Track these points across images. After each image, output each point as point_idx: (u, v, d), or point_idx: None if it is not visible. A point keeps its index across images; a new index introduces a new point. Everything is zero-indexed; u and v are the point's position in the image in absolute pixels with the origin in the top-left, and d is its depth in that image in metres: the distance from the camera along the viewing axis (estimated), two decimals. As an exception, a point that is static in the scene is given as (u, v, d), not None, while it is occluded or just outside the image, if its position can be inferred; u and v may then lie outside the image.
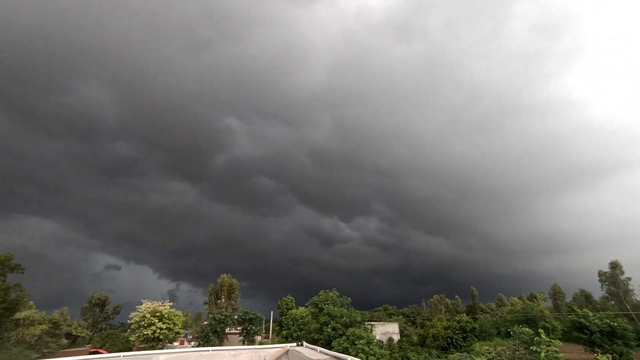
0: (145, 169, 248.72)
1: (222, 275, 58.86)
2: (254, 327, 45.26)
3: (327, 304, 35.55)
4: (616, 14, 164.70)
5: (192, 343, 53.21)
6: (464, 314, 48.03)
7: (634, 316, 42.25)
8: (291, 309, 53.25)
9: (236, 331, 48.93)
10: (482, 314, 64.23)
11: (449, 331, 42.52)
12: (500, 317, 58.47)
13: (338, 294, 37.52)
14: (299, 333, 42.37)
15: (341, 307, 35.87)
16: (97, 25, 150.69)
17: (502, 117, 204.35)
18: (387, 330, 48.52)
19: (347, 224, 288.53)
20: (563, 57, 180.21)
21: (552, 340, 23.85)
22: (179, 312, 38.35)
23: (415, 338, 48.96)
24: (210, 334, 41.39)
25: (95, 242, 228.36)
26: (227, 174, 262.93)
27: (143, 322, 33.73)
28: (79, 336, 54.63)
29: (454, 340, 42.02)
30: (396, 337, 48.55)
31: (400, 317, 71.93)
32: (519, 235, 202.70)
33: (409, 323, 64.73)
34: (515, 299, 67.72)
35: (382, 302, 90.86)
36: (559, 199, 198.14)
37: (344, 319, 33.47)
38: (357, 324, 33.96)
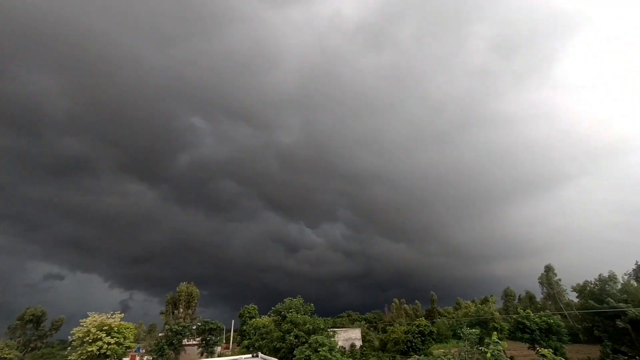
0: (99, 169, 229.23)
1: (181, 284, 55.97)
2: (214, 338, 43.44)
3: (291, 311, 35.18)
4: (564, 39, 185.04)
5: (145, 358, 49.63)
6: (423, 318, 50.02)
7: (566, 314, 46.88)
8: (253, 318, 51.89)
9: (195, 342, 46.61)
10: (439, 318, 67.33)
11: (409, 335, 44.02)
12: (456, 320, 61.74)
13: (302, 301, 37.30)
14: (260, 342, 41.36)
15: (304, 314, 35.69)
16: (48, 4, 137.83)
17: (462, 130, 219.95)
18: (349, 336, 49.13)
19: (313, 230, 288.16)
20: (515, 76, 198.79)
21: (499, 341, 25.72)
22: (131, 324, 35.58)
23: (376, 343, 50.05)
24: (166, 347, 39.01)
25: (34, 248, 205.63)
26: (190, 176, 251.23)
27: (87, 338, 30.43)
28: (6, 358, 47.81)
29: (413, 344, 43.57)
30: (358, 343, 49.30)
31: (363, 322, 73.16)
32: (476, 241, 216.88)
33: (372, 328, 66.05)
34: (469, 302, 71.93)
35: (346, 308, 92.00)
36: (511, 207, 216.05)
37: (307, 326, 33.33)
38: (320, 331, 33.99)
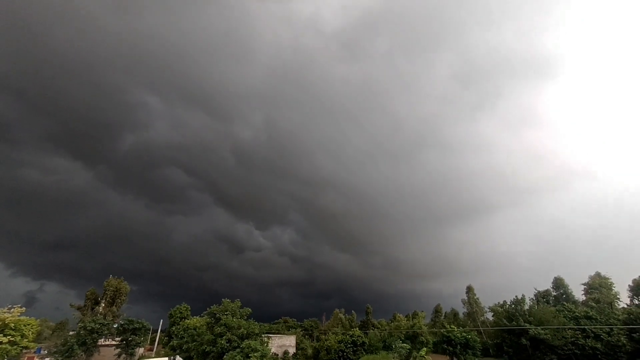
0: (19, 136, 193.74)
1: (110, 277, 50.67)
2: (136, 338, 39.94)
3: (227, 314, 33.90)
4: (511, 78, 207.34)
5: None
6: (357, 329, 51.54)
7: (481, 330, 52.11)
8: (185, 318, 48.80)
9: (114, 342, 42.33)
10: (373, 329, 69.96)
11: (341, 345, 44.97)
12: (388, 332, 64.67)
13: (240, 304, 36.18)
14: (190, 345, 39.02)
15: (241, 318, 34.65)
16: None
17: (417, 151, 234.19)
18: (283, 343, 48.68)
19: (261, 232, 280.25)
20: (470, 107, 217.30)
21: (424, 355, 27.78)
22: (33, 320, 31.14)
23: (310, 351, 50.23)
24: (76, 347, 34.81)
25: None
26: (134, 159, 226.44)
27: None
28: None
29: (345, 353, 44.60)
30: (292, 350, 49.05)
31: (299, 330, 73.04)
32: (416, 258, 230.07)
33: (307, 336, 66.20)
34: (401, 315, 76.05)
35: (285, 314, 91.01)
36: (448, 229, 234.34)
37: (242, 330, 32.40)
38: (255, 336, 33.26)
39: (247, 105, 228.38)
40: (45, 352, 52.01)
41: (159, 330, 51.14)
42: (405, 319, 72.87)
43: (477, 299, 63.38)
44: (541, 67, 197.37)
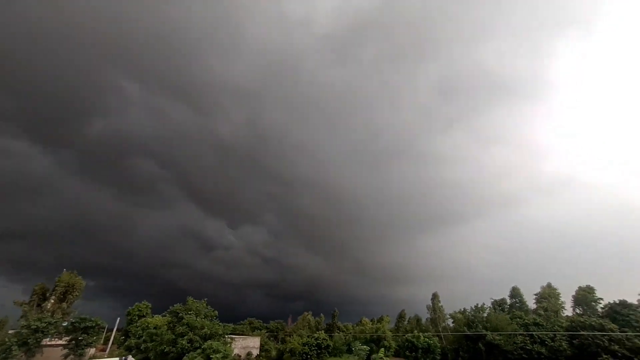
0: None
1: (64, 272, 46.85)
2: (88, 337, 37.29)
3: (190, 313, 32.78)
4: (489, 95, 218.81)
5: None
6: (323, 332, 51.81)
7: (442, 336, 54.44)
8: (145, 317, 46.36)
9: (62, 342, 39.22)
10: (338, 332, 70.52)
11: (306, 347, 44.99)
12: (352, 335, 65.54)
13: (205, 303, 35.14)
14: (148, 344, 37.17)
15: (205, 318, 33.66)
16: None
17: (395, 159, 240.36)
18: (247, 345, 47.79)
19: (233, 231, 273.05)
20: (449, 120, 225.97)
21: (382, 357, 28.56)
22: None
23: (274, 353, 49.69)
24: (15, 348, 31.87)
25: None
26: (103, 146, 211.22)
27: None
28: None
29: (309, 356, 44.65)
30: (256, 352, 48.26)
31: (265, 331, 72.00)
32: (386, 264, 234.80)
33: (272, 338, 65.42)
34: (367, 319, 77.41)
35: (251, 315, 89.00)
36: (418, 237, 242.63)
37: (205, 330, 31.52)
38: (218, 337, 32.46)
39: (230, 101, 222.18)
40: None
41: (115, 329, 48.15)
42: (371, 322, 74.21)
43: (442, 306, 66.08)
44: (515, 87, 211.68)
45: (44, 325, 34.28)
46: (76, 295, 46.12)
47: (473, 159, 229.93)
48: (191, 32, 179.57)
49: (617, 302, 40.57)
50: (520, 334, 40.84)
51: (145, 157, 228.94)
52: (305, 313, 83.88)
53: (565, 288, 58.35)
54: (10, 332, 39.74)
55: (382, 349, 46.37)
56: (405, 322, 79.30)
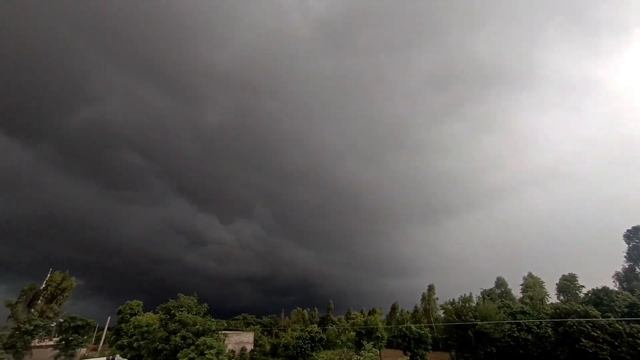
0: None
1: (55, 272, 45.93)
2: (79, 337, 36.83)
3: (182, 310, 32.65)
4: (484, 85, 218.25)
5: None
6: (316, 325, 52.36)
7: (433, 326, 55.75)
8: (136, 315, 46.00)
9: (51, 343, 38.67)
10: (332, 326, 71.39)
11: (299, 341, 45.41)
12: (345, 328, 66.43)
13: (196, 300, 35.00)
14: (140, 343, 36.98)
15: (197, 314, 33.57)
16: None
17: (388, 150, 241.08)
18: (241, 340, 47.99)
19: (225, 226, 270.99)
20: (443, 109, 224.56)
21: (372, 349, 29.28)
22: None
23: (267, 347, 50.04)
24: (2, 351, 31.32)
25: None
26: (85, 138, 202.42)
27: None
28: None
29: (303, 349, 45.11)
30: (250, 347, 48.52)
31: (258, 326, 72.37)
32: (378, 256, 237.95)
33: (265, 333, 65.80)
34: (357, 313, 78.56)
35: (244, 310, 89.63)
36: (410, 229, 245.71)
37: (197, 327, 31.45)
38: (211, 333, 32.45)
39: (218, 89, 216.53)
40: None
41: (106, 328, 47.67)
42: (361, 315, 75.32)
43: (437, 298, 67.52)
44: (506, 77, 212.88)
45: (32, 328, 33.67)
46: (67, 295, 45.43)
47: (465, 150, 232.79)
48: (177, 18, 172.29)
49: (600, 288, 42.08)
50: (507, 322, 42.10)
51: (130, 150, 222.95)
52: (298, 308, 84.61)
53: (549, 277, 60.41)
54: (-2, 334, 38.93)
55: (369, 342, 46.95)
56: (398, 314, 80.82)
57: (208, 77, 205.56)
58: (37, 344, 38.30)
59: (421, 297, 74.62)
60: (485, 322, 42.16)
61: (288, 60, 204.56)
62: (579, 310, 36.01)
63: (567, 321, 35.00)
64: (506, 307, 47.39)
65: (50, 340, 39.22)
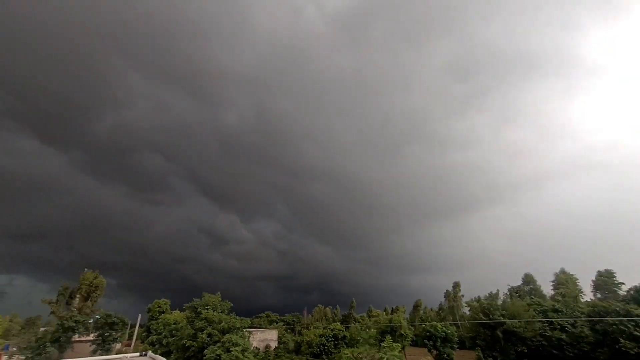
0: None
1: (86, 271, 48.84)
2: (114, 334, 38.94)
3: (207, 308, 33.65)
4: (505, 73, 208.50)
5: (16, 357, 41.47)
6: (338, 323, 52.39)
7: (459, 324, 54.29)
8: (164, 313, 48.00)
9: (89, 338, 41.05)
10: (354, 324, 71.20)
11: (322, 339, 45.62)
12: (367, 327, 66.09)
13: (220, 298, 35.97)
14: (169, 339, 38.54)
15: (222, 312, 34.49)
16: None
17: (407, 144, 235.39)
18: (265, 337, 48.82)
19: (245, 225, 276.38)
20: (462, 100, 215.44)
21: (393, 344, 28.88)
22: None
23: (291, 345, 50.62)
24: (49, 345, 33.55)
25: None
26: (112, 143, 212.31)
27: None
28: None
29: (326, 347, 45.30)
30: (274, 344, 49.26)
31: (281, 324, 73.43)
32: (400, 253, 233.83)
33: (289, 330, 66.64)
34: (379, 310, 77.86)
35: (267, 308, 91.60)
36: (431, 224, 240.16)
37: (223, 324, 32.29)
38: (236, 331, 33.23)
39: (235, 89, 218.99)
40: (15, 349, 49.84)
41: (137, 325, 50.04)
42: (384, 313, 74.63)
43: (462, 295, 65.91)
44: (530, 64, 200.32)
45: (73, 324, 35.89)
46: (99, 293, 48.07)
47: (487, 142, 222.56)
48: (194, 20, 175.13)
49: (642, 285, 39.31)
50: (539, 321, 40.27)
51: (153, 152, 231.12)
52: (320, 306, 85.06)
53: (582, 273, 56.97)
54: (41, 329, 41.83)
55: (388, 336, 46.25)
56: (421, 312, 79.47)
57: (225, 79, 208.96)
58: (77, 339, 40.70)
59: (444, 294, 73.03)
60: (514, 319, 40.56)
61: (304, 57, 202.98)
62: (618, 309, 33.82)
63: (605, 320, 32.98)
64: (536, 304, 45.35)
65: (88, 335, 41.58)
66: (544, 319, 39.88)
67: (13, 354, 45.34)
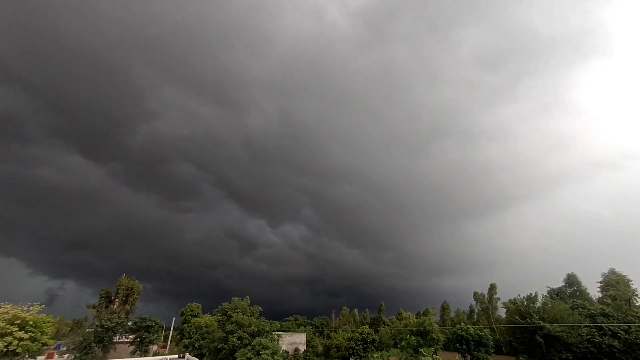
0: (31, 132, 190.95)
1: (122, 277, 51.97)
2: (150, 336, 40.79)
3: (237, 312, 34.33)
4: (544, 57, 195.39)
5: (66, 356, 44.77)
6: (367, 326, 51.50)
7: (495, 328, 51.47)
8: (196, 317, 49.71)
9: (128, 340, 43.34)
10: (383, 327, 69.84)
11: (351, 342, 44.99)
12: (397, 330, 64.50)
13: (249, 302, 36.57)
14: (201, 342, 39.72)
15: (251, 315, 35.04)
16: None
17: (434, 141, 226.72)
18: (294, 341, 49.00)
19: (273, 230, 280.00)
20: (492, 93, 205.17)
21: (433, 355, 27.75)
22: (50, 318, 32.07)
23: (320, 348, 50.41)
24: (94, 344, 35.79)
25: None
26: (146, 154, 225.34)
27: (-6, 333, 26.65)
28: None
29: (355, 350, 44.62)
30: (302, 348, 49.32)
31: (310, 327, 73.50)
32: (429, 254, 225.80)
33: (317, 334, 66.53)
34: (409, 313, 75.64)
35: (296, 311, 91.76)
36: (464, 223, 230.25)
37: (252, 328, 32.76)
38: (265, 334, 33.59)
39: (260, 95, 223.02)
40: (64, 348, 53.67)
41: (172, 328, 52.18)
42: (415, 316, 72.51)
43: (499, 298, 62.56)
44: (566, 47, 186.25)
45: (113, 325, 38.03)
46: (136, 297, 50.75)
47: (521, 134, 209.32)
48: (218, 30, 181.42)
49: None
50: (585, 325, 37.27)
51: (184, 161, 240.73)
52: (346, 309, 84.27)
53: (635, 274, 51.74)
54: (87, 330, 44.74)
55: (429, 348, 44.64)
56: (452, 314, 76.40)
57: (251, 85, 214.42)
58: (118, 340, 43.06)
59: (473, 295, 69.41)
60: (556, 324, 37.80)
61: (328, 58, 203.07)
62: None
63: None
64: (581, 307, 42.08)
65: (127, 337, 43.87)
66: (591, 324, 36.85)
67: (64, 353, 48.89)
